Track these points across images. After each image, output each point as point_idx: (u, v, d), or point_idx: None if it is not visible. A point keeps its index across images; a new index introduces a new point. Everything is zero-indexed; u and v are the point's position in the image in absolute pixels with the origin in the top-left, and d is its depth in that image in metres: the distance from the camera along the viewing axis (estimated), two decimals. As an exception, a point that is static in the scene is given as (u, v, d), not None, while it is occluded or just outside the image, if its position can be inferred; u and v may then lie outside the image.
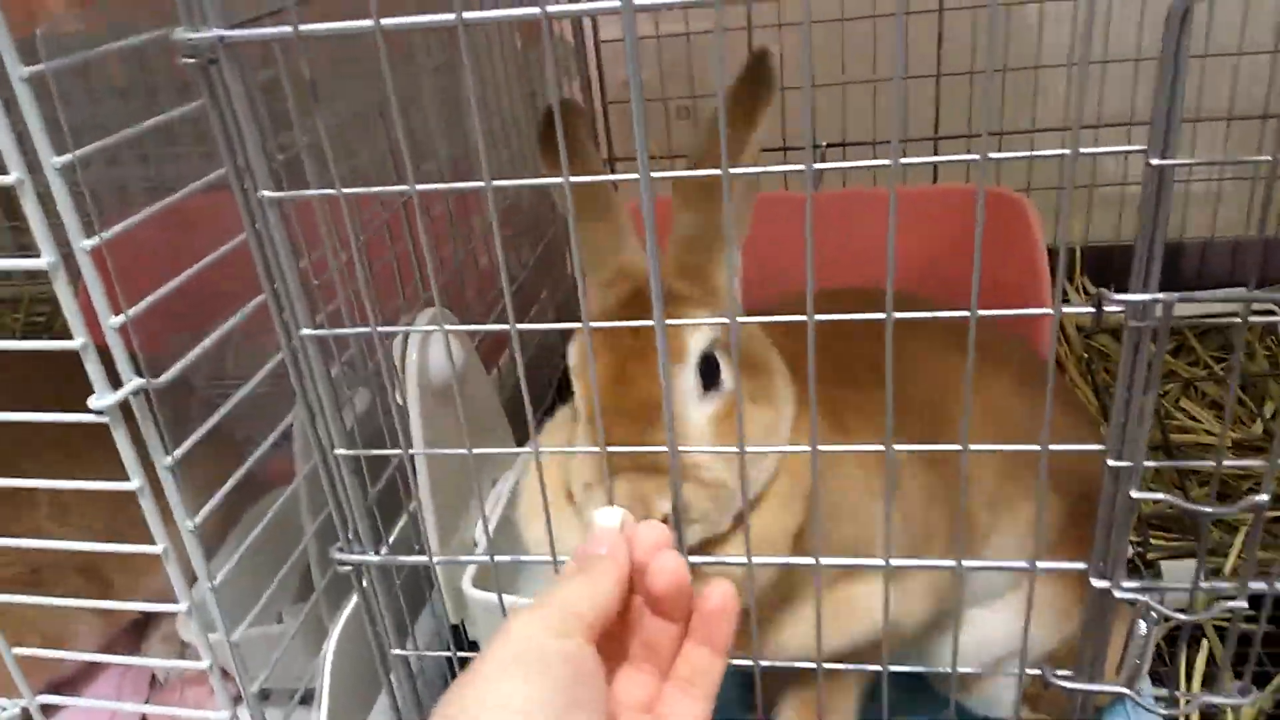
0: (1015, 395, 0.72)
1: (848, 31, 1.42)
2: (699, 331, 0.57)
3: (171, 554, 0.65)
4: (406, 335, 0.76)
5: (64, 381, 0.65)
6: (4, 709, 0.74)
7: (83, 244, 0.57)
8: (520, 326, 0.54)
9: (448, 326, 0.59)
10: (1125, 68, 1.43)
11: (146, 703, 0.95)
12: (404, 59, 1.06)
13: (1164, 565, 1.01)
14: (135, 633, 1.01)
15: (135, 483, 0.62)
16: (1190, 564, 1.02)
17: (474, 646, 0.83)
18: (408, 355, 0.75)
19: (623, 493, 0.56)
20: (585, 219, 0.61)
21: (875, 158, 1.38)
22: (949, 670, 0.63)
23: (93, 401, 0.59)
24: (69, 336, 0.58)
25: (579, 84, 1.35)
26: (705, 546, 0.58)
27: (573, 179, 0.49)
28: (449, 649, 0.69)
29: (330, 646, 0.82)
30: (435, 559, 0.62)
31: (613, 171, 1.38)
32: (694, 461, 0.56)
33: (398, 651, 0.67)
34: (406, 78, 1.05)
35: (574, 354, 0.60)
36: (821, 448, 0.53)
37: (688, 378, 0.58)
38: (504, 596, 0.68)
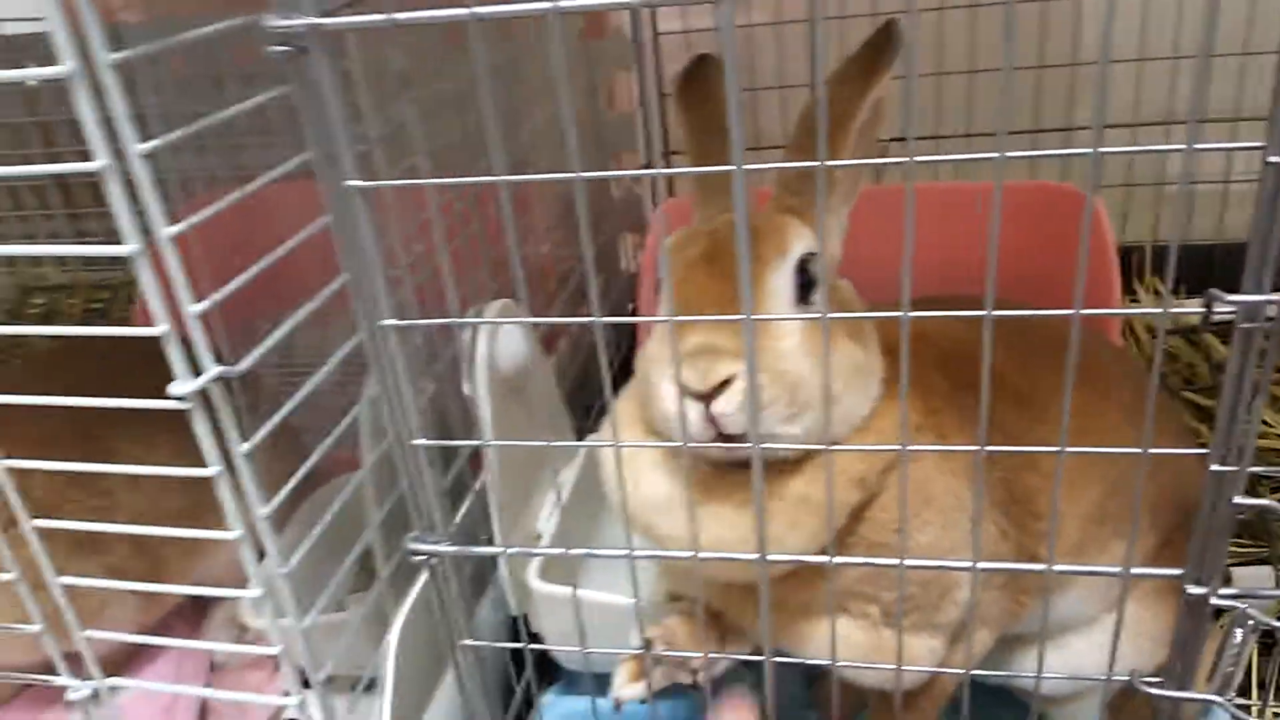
0: (1123, 427, 0.69)
1: (945, 21, 1.38)
2: (801, 238, 0.57)
3: (247, 539, 0.65)
4: (476, 327, 0.75)
5: (126, 364, 0.66)
6: (76, 689, 0.75)
7: (166, 231, 0.57)
8: (605, 320, 0.53)
9: (532, 319, 0.58)
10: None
11: (206, 686, 0.95)
12: (460, 50, 1.06)
13: (1235, 572, 0.99)
14: (194, 615, 1.02)
15: (214, 469, 0.63)
16: (1259, 570, 1.01)
17: (535, 639, 0.83)
18: (477, 346, 0.74)
19: (688, 353, 0.54)
20: (710, 157, 0.62)
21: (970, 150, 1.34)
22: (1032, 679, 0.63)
23: (174, 388, 0.60)
24: (126, 323, 0.58)
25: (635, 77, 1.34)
26: (768, 471, 0.56)
27: (669, 171, 0.49)
28: (513, 639, 0.69)
29: (394, 635, 0.82)
30: (510, 550, 0.62)
31: (667, 165, 1.37)
32: (776, 355, 0.55)
33: (467, 641, 0.67)
34: (465, 70, 1.05)
35: (667, 243, 0.60)
36: (913, 447, 0.52)
37: (785, 273, 0.57)
38: (571, 589, 0.69)
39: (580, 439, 0.97)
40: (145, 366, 0.60)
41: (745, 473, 0.56)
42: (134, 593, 0.89)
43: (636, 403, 0.64)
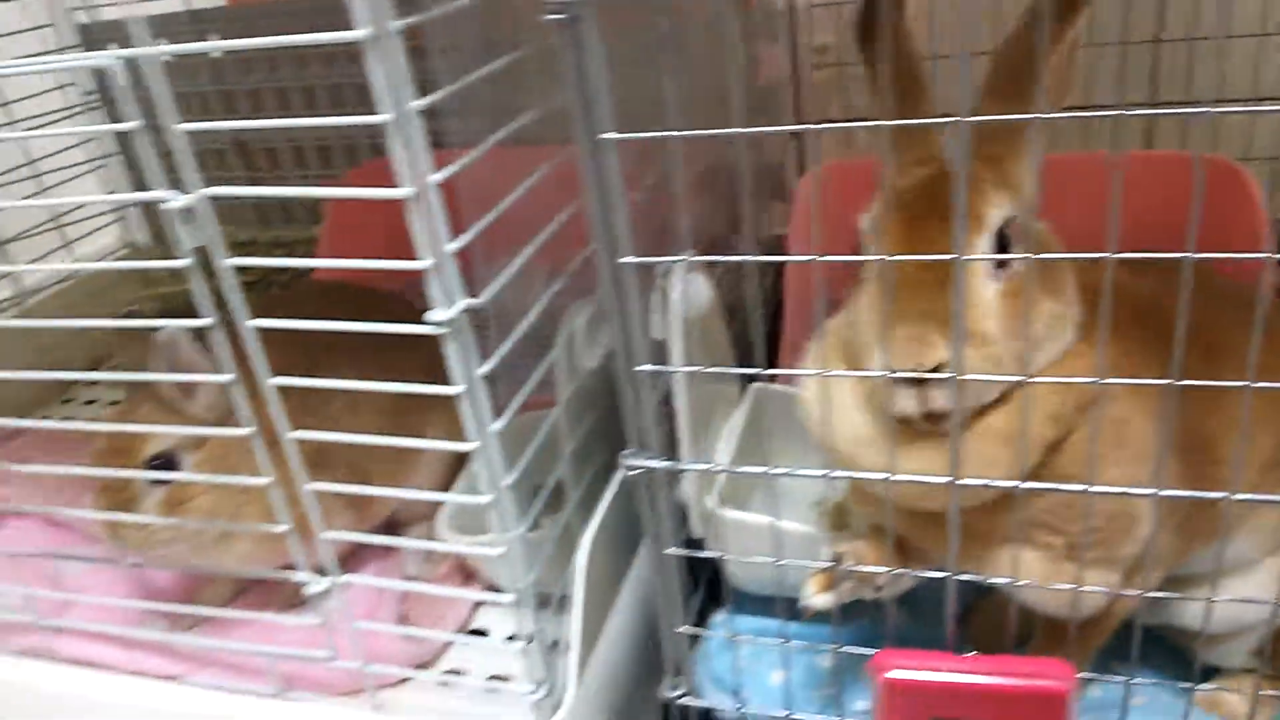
0: None
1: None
2: (997, 207, 0.61)
3: (487, 449, 0.74)
4: (669, 270, 0.82)
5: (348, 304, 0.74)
6: (314, 584, 0.85)
7: (432, 178, 0.66)
8: (823, 258, 0.59)
9: (762, 257, 0.64)
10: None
11: (405, 599, 1.06)
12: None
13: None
14: (386, 532, 1.13)
15: (460, 387, 0.72)
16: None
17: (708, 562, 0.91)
18: (672, 289, 0.81)
19: (901, 335, 0.60)
20: (903, 105, 0.66)
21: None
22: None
23: (432, 315, 0.69)
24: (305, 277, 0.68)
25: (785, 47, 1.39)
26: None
27: (893, 122, 0.54)
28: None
29: (583, 552, 0.91)
30: (718, 467, 0.69)
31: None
32: (976, 330, 0.60)
33: (671, 550, 0.74)
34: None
35: (867, 221, 0.65)
36: (1110, 379, 0.57)
37: (983, 248, 0.61)
38: (748, 516, 0.76)
39: (742, 389, 1.03)
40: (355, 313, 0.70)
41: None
42: (349, 509, 0.99)
43: (838, 349, 0.70)
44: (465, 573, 1.09)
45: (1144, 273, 0.59)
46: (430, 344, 1.14)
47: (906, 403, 0.62)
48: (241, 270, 1.50)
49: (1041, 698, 0.67)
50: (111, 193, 1.70)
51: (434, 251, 0.67)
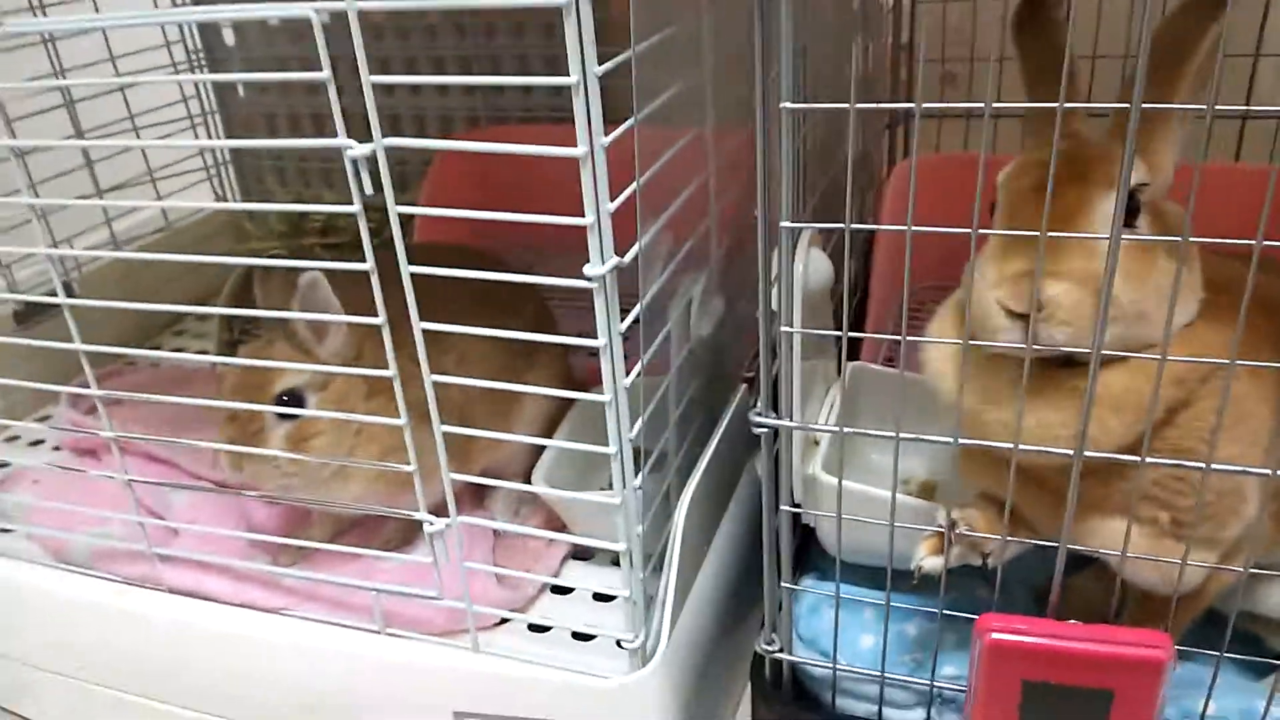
0: None
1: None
2: (1132, 170, 0.63)
3: (617, 402, 0.78)
4: (796, 244, 0.86)
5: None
6: (433, 524, 0.90)
7: (602, 140, 0.70)
8: (916, 230, 0.63)
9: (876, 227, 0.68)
10: None
11: (494, 550, 1.10)
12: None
13: None
14: (475, 494, 1.17)
15: (602, 341, 0.76)
16: None
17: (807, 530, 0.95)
18: (797, 265, 0.85)
19: (1013, 272, 0.64)
20: (1049, 85, 0.70)
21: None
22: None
23: (589, 270, 0.73)
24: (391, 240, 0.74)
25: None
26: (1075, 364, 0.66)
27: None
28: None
29: (682, 510, 0.95)
30: (846, 429, 0.73)
31: (906, 130, 1.47)
32: (1095, 275, 0.63)
33: (785, 508, 0.79)
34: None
35: (1003, 174, 0.70)
36: (1239, 362, 0.61)
37: (1109, 203, 0.64)
38: (853, 484, 0.80)
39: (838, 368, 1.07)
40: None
41: (1065, 370, 0.67)
42: (453, 458, 1.02)
43: (953, 318, 0.74)
44: (554, 529, 1.13)
45: (1269, 274, 0.62)
46: (536, 305, 1.20)
47: (1011, 336, 0.65)
48: (337, 230, 1.53)
49: (1139, 665, 0.71)
50: (205, 149, 1.75)
51: (596, 210, 0.71)
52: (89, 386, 0.95)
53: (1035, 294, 0.63)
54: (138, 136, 1.55)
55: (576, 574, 1.09)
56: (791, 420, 0.76)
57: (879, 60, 1.43)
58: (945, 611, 0.79)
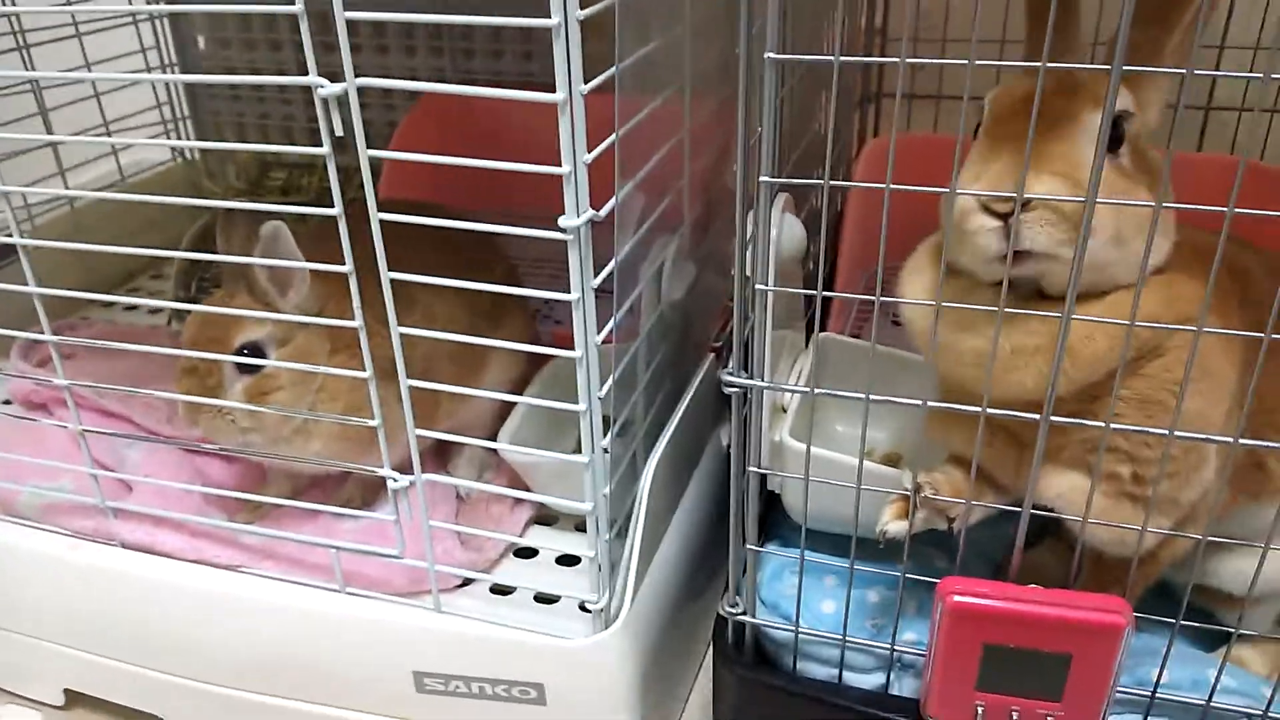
0: None
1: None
2: (1121, 95, 0.63)
3: (588, 358, 0.78)
4: (772, 209, 0.86)
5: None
6: (397, 481, 0.89)
7: (579, 88, 0.69)
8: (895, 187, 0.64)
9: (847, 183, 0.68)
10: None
11: (457, 513, 1.09)
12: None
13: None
14: (440, 453, 1.16)
15: (575, 295, 0.75)
16: None
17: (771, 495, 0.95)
18: (772, 226, 0.85)
19: (995, 170, 0.64)
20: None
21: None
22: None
23: (564, 221, 0.72)
24: (358, 201, 0.74)
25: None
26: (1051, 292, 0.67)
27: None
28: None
29: (649, 474, 0.95)
30: (817, 390, 0.73)
31: (877, 107, 1.47)
32: (1076, 178, 0.63)
33: (753, 469, 0.79)
34: None
35: (992, 93, 0.69)
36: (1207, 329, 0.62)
37: (1095, 120, 0.63)
38: (821, 450, 0.81)
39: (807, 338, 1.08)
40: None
41: (1040, 300, 0.68)
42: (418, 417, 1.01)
43: (929, 256, 0.74)
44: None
45: (1236, 244, 0.63)
46: (505, 267, 1.18)
47: (990, 238, 0.65)
48: (299, 190, 1.50)
49: (1098, 629, 0.72)
50: (163, 103, 1.70)
51: (573, 160, 0.70)
52: (43, 335, 0.93)
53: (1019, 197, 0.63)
54: (94, 86, 1.50)
55: (541, 537, 1.08)
56: (763, 381, 0.76)
57: (853, 41, 1.43)
58: (907, 576, 0.79)
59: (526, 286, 1.22)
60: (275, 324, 0.94)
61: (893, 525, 0.77)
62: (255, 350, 0.94)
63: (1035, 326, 0.67)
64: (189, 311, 1.37)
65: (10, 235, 0.89)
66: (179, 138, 1.77)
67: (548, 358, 1.13)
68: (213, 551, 1.01)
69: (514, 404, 1.11)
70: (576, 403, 0.79)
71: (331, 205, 0.77)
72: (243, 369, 0.94)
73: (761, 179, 0.67)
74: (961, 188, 0.65)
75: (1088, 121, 0.65)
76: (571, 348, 0.77)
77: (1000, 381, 0.69)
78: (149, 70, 1.67)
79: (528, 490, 1.06)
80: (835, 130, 1.44)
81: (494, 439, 1.04)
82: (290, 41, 1.69)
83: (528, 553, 1.06)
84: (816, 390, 0.73)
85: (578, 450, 0.82)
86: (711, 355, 1.17)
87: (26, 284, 0.90)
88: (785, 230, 0.88)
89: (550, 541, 1.07)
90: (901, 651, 0.83)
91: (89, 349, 1.25)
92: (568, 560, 1.03)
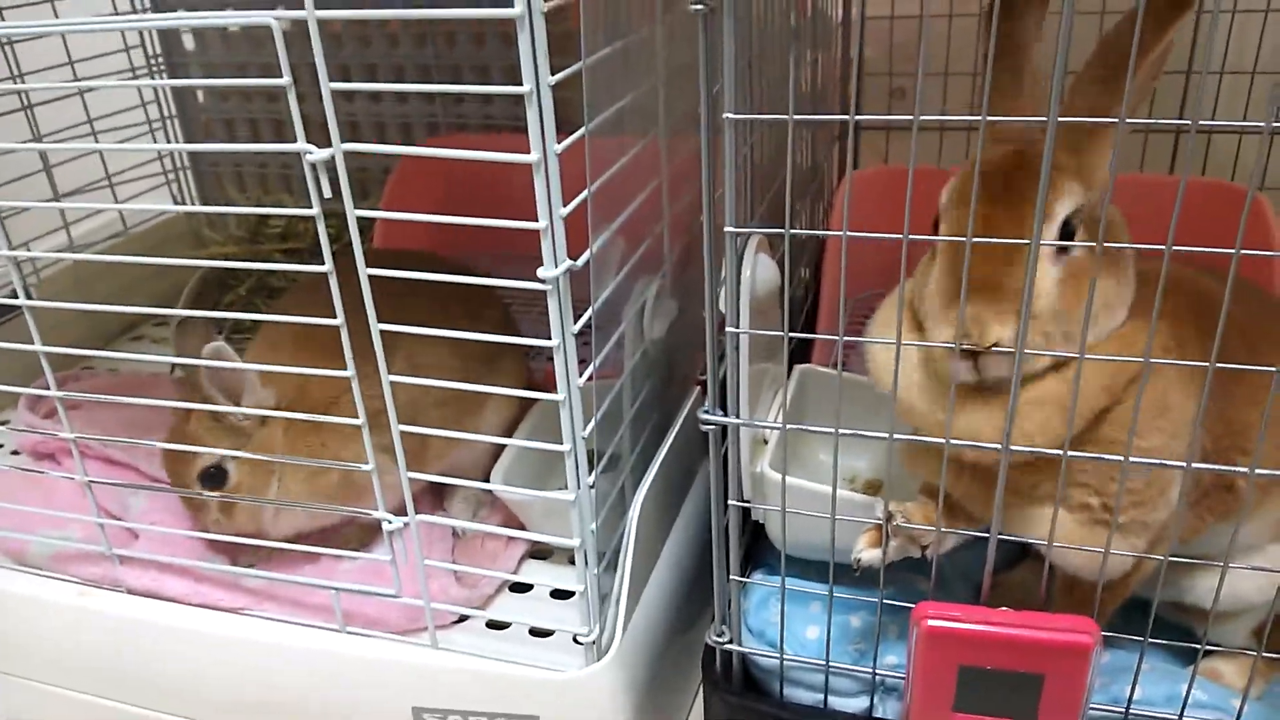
0: None
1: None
2: (1067, 197, 0.68)
3: (570, 401, 0.81)
4: (742, 253, 0.89)
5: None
6: (392, 523, 0.92)
7: (555, 146, 0.73)
8: (852, 235, 0.67)
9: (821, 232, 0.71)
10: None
11: (453, 550, 1.12)
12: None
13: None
14: (435, 495, 1.19)
15: (555, 340, 0.79)
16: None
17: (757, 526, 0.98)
18: (744, 270, 0.88)
19: (955, 315, 0.67)
20: (1000, 91, 0.72)
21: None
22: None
23: (542, 273, 0.76)
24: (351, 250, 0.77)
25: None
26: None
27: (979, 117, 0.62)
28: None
29: (636, 508, 0.98)
30: (789, 425, 0.76)
31: (857, 141, 1.51)
32: (1033, 312, 0.67)
33: (734, 502, 0.82)
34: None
35: (946, 194, 0.72)
36: (1156, 358, 0.65)
37: (1050, 235, 0.67)
38: (801, 480, 0.83)
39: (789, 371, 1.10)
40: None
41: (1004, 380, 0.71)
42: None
43: (907, 310, 0.77)
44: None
45: (1199, 274, 0.66)
46: (498, 313, 1.22)
47: (965, 374, 0.70)
48: (297, 236, 1.54)
49: (1067, 649, 0.75)
50: (164, 154, 1.75)
51: (548, 214, 0.74)
52: (48, 389, 0.96)
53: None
54: (96, 141, 1.55)
55: (534, 572, 1.11)
56: (738, 418, 0.79)
57: (829, 73, 1.47)
58: (886, 602, 0.82)
59: (522, 324, 1.28)
60: (229, 436, 1.02)
61: (866, 554, 0.80)
62: (218, 471, 1.02)
63: (988, 415, 0.71)
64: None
65: (14, 297, 0.93)
66: (179, 188, 1.82)
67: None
68: (216, 595, 1.04)
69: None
70: (563, 438, 0.83)
71: (337, 253, 0.80)
72: (211, 486, 1.02)
73: (726, 229, 0.71)
74: (931, 329, 0.71)
75: (1045, 231, 0.67)
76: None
77: (959, 455, 0.73)
78: (149, 125, 1.73)
79: (523, 528, 1.09)
80: (814, 165, 1.49)
81: (489, 477, 1.07)
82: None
83: (522, 587, 1.09)
84: (789, 426, 0.76)
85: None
86: (697, 389, 1.20)
87: (31, 342, 0.94)
88: (759, 270, 0.91)
89: (544, 576, 1.09)
90: (884, 675, 0.86)
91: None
92: (562, 594, 1.06)
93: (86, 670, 1.09)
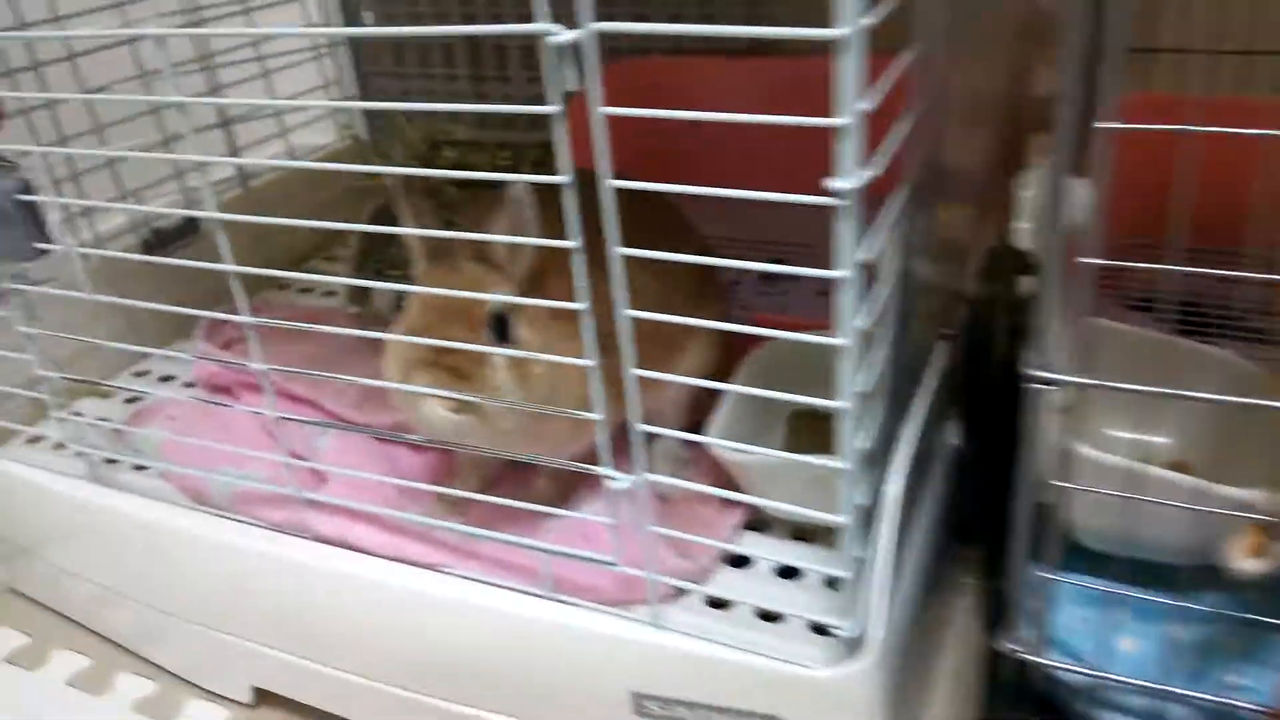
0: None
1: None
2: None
3: (852, 346, 0.66)
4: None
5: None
6: (619, 480, 0.79)
7: (863, 20, 0.57)
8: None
9: None
10: None
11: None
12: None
13: None
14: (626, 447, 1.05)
15: (844, 271, 0.63)
16: None
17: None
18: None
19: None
20: None
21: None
22: None
23: (835, 183, 0.60)
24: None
25: None
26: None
27: None
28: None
29: (897, 482, 0.83)
30: (1124, 385, 0.59)
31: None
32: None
33: (1057, 482, 0.65)
34: None
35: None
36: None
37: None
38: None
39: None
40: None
41: None
42: (617, 404, 0.89)
43: None
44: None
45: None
46: (699, 240, 1.07)
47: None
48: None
49: None
50: (331, 83, 1.68)
51: (850, 110, 0.58)
52: (233, 315, 0.87)
53: None
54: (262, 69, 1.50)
55: (753, 545, 0.97)
56: (1079, 377, 0.62)
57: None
58: (1235, 615, 0.65)
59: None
60: (511, 291, 0.85)
61: (1247, 564, 0.62)
62: (502, 321, 0.85)
63: None
64: (368, 293, 1.34)
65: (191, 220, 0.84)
66: (347, 117, 1.75)
67: (745, 344, 1.02)
68: (411, 548, 0.94)
69: (718, 392, 1.01)
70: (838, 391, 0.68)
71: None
72: (496, 339, 0.84)
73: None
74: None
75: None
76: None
77: None
78: (316, 51, 1.66)
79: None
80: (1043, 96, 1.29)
81: (684, 429, 0.93)
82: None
83: (739, 560, 0.95)
84: (1141, 389, 0.59)
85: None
86: (941, 343, 1.04)
87: (217, 262, 0.85)
88: (1071, 196, 0.73)
89: (763, 550, 0.95)
90: (1236, 706, 0.68)
91: (271, 332, 1.21)
92: (788, 571, 0.92)
93: (268, 620, 1.02)
